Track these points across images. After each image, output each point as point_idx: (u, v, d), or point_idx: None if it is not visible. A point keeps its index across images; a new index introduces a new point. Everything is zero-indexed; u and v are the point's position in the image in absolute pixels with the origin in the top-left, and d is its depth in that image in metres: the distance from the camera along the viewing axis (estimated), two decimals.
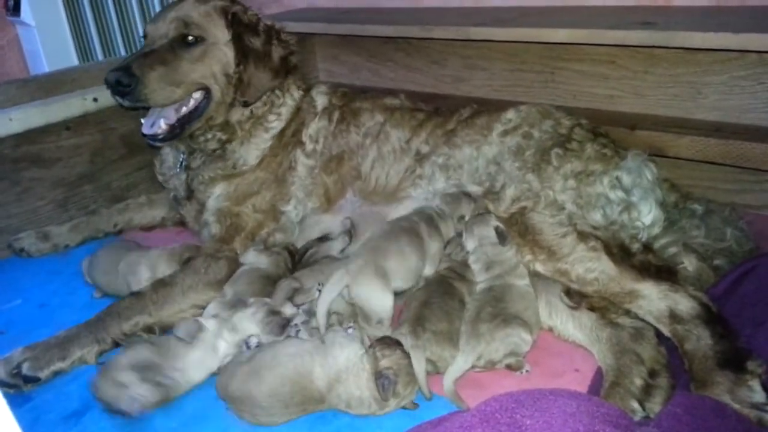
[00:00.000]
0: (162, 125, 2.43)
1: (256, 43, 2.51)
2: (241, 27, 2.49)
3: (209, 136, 2.57)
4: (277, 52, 2.58)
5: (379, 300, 1.99)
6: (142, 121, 2.48)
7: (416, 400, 1.81)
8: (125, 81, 2.27)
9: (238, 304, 2.04)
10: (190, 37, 2.42)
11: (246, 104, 2.54)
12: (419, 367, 1.79)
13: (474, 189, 2.34)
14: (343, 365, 1.76)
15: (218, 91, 2.49)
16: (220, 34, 2.47)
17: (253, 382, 1.75)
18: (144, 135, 2.46)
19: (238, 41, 2.47)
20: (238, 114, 2.57)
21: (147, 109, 2.46)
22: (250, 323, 1.96)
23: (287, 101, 2.69)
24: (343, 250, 2.40)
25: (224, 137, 2.58)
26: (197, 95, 2.47)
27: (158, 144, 2.55)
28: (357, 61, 3.87)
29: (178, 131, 2.47)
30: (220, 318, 2.01)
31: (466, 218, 2.29)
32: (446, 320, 1.94)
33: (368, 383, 1.74)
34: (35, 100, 2.89)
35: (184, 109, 2.46)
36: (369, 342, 1.89)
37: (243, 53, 2.47)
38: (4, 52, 4.06)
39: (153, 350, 1.90)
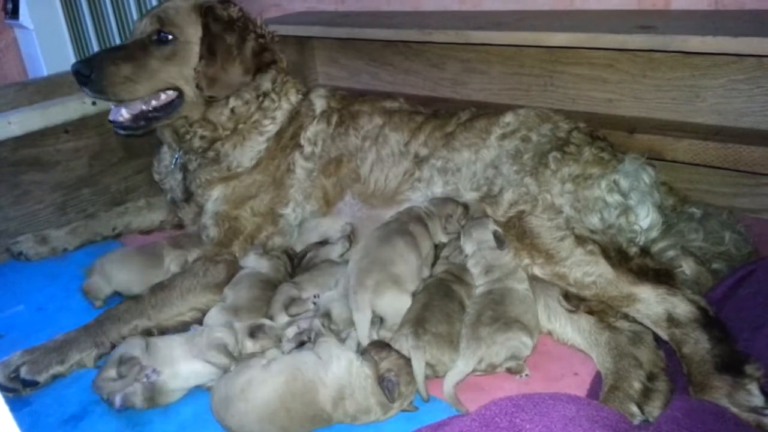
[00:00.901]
0: (124, 114, 2.47)
1: (228, 37, 2.48)
2: (210, 20, 2.47)
3: (192, 133, 2.58)
4: (249, 48, 2.53)
5: (402, 306, 2.01)
6: (111, 107, 2.51)
7: (414, 403, 1.82)
8: (84, 72, 2.34)
9: (256, 330, 2.01)
10: (162, 35, 2.42)
11: (213, 99, 2.51)
12: (419, 368, 1.79)
13: (472, 194, 2.35)
14: (345, 380, 1.74)
15: (190, 91, 2.49)
16: (193, 32, 2.46)
17: (256, 420, 1.70)
18: (110, 121, 2.50)
19: (205, 35, 2.46)
20: (216, 112, 2.57)
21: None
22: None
23: (283, 105, 2.69)
24: (342, 255, 2.39)
25: (206, 134, 2.58)
26: (170, 92, 2.48)
27: (122, 132, 2.58)
28: (356, 65, 3.88)
29: (143, 123, 2.50)
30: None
31: (454, 217, 2.30)
32: (447, 322, 1.94)
33: (374, 389, 1.73)
34: (34, 103, 2.89)
35: (154, 103, 2.48)
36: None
37: (208, 47, 2.45)
38: (2, 55, 4.07)
39: (142, 348, 1.90)
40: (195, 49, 2.46)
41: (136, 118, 2.47)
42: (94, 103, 2.96)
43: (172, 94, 2.49)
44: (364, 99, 2.81)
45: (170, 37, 2.43)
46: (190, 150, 2.62)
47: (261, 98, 2.63)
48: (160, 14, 2.44)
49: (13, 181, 2.82)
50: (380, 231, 2.24)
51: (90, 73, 2.33)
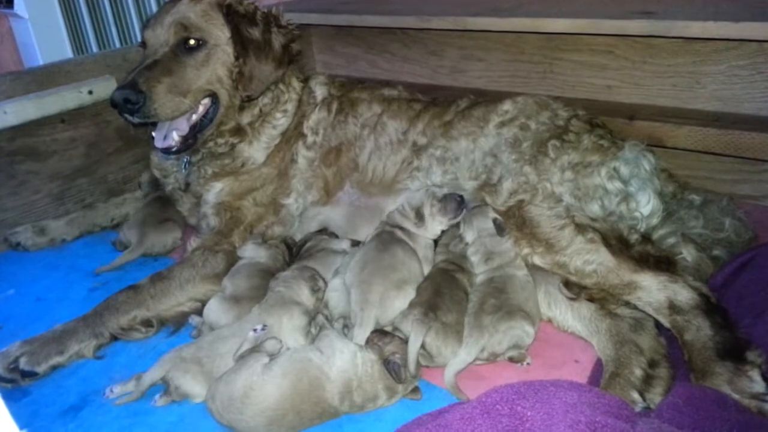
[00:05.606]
0: (175, 137, 2.36)
1: (255, 33, 2.43)
2: (237, 18, 2.42)
3: (220, 141, 2.52)
4: (277, 41, 2.50)
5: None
6: (153, 134, 2.40)
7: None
8: (133, 98, 2.18)
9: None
10: (192, 41, 2.35)
11: (249, 99, 2.47)
12: (415, 343, 1.77)
13: (471, 183, 2.33)
14: (351, 372, 1.72)
15: (225, 95, 2.43)
16: (220, 33, 2.40)
17: (266, 423, 1.68)
18: (160, 149, 2.39)
19: (236, 33, 2.40)
20: (248, 116, 2.53)
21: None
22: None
23: (292, 96, 2.64)
24: (343, 251, 2.37)
25: (235, 141, 2.53)
26: (206, 101, 2.41)
27: (173, 156, 2.49)
28: (354, 53, 3.86)
29: (191, 141, 2.40)
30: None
31: (423, 210, 2.26)
32: (456, 311, 1.93)
33: (380, 374, 1.73)
34: (30, 93, 2.86)
35: (194, 117, 2.39)
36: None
37: (242, 45, 2.40)
38: None
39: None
40: (227, 50, 2.40)
41: (185, 138, 2.37)
42: (90, 92, 2.94)
43: (207, 102, 2.41)
44: (363, 86, 2.79)
45: (200, 42, 2.35)
46: (209, 154, 2.55)
47: (272, 90, 2.59)
48: (182, 21, 2.34)
49: (10, 172, 2.81)
50: (375, 242, 2.19)
51: (138, 99, 2.18)
